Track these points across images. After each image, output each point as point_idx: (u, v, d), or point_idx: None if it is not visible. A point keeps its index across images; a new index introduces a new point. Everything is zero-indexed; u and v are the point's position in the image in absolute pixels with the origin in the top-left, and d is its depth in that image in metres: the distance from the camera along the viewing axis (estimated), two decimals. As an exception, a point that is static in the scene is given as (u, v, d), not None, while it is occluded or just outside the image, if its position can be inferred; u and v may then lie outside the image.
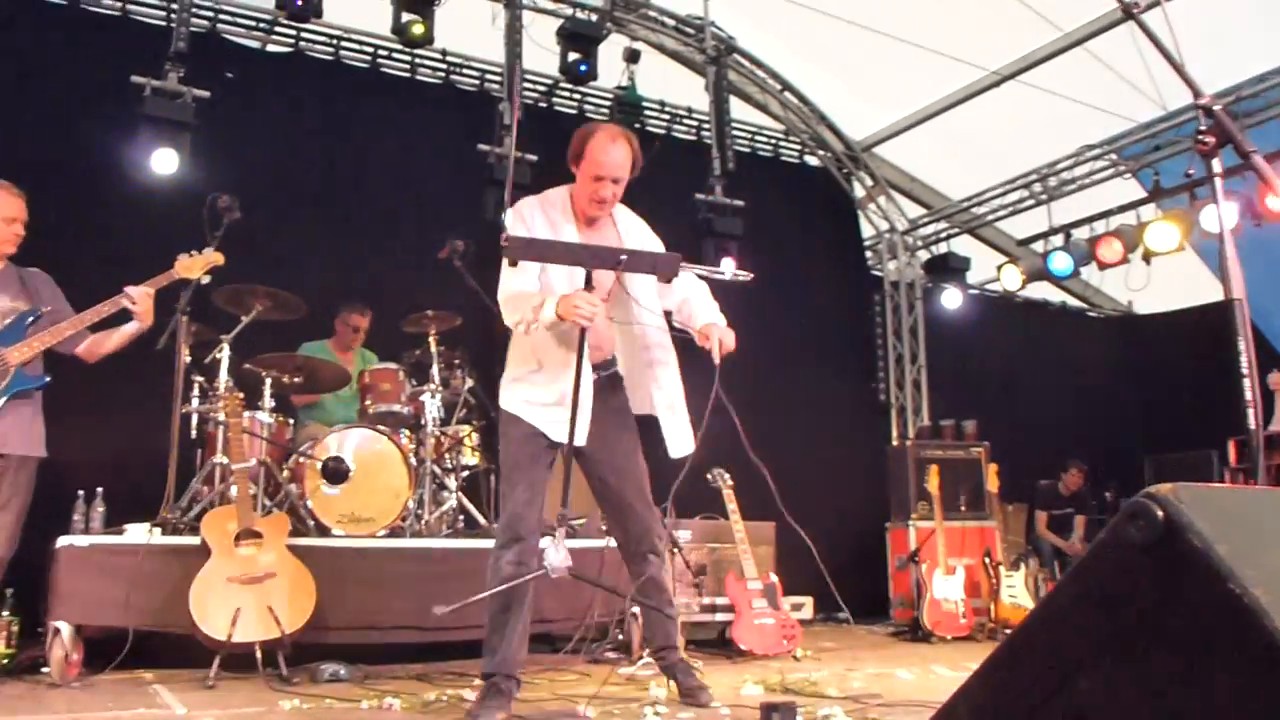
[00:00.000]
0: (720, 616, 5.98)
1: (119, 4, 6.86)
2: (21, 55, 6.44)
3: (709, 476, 5.96)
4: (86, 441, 5.71)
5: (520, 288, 3.35)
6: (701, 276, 3.79)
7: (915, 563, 7.11)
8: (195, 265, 4.46)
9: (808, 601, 6.48)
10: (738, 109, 8.75)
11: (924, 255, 10.33)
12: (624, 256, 3.27)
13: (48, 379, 4.19)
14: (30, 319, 4.13)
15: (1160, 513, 1.12)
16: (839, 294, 9.73)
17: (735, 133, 8.56)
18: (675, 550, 5.78)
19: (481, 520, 5.77)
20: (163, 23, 6.83)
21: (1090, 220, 8.67)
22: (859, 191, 10.12)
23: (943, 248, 10.14)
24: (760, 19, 8.33)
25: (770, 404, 8.57)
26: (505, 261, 3.35)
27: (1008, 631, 6.85)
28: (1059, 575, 8.44)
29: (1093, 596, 1.15)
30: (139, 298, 4.18)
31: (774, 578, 5.93)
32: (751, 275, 3.07)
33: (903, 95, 9.20)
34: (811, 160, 9.87)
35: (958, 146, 9.49)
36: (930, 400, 9.92)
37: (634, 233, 3.70)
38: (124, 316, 4.29)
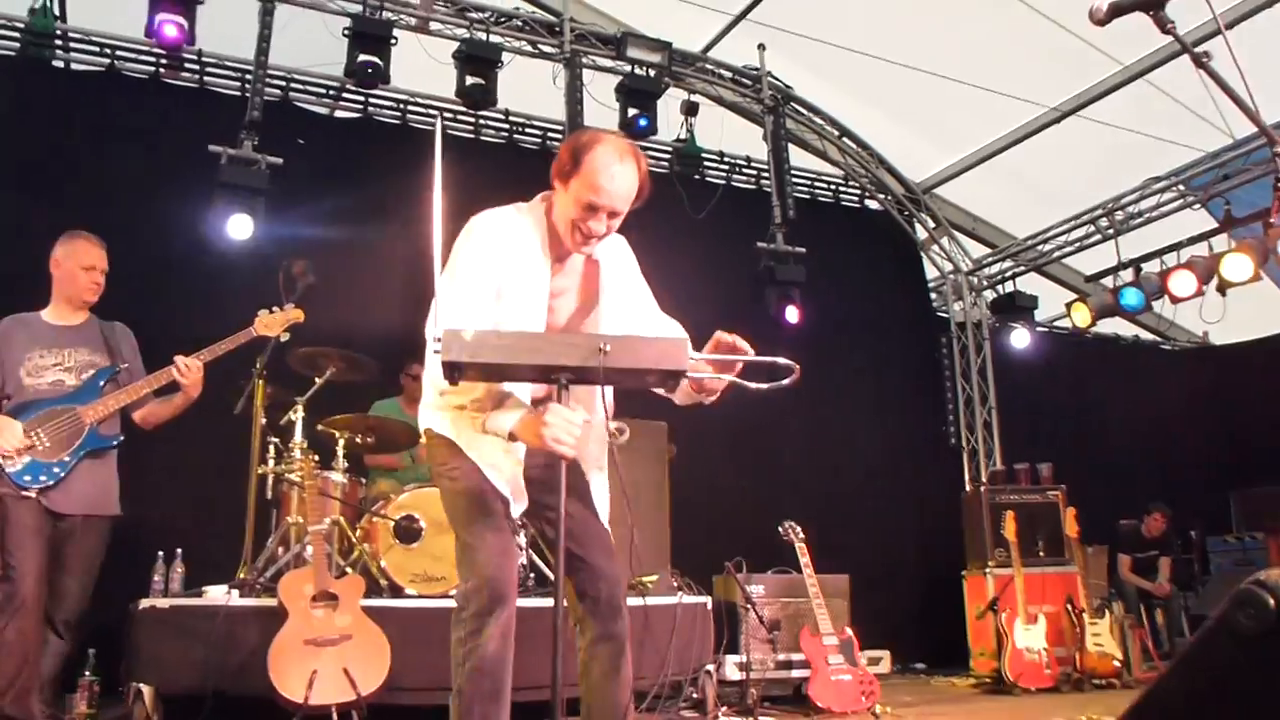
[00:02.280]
0: (796, 673, 5.90)
1: (196, 77, 7.12)
2: (107, 127, 6.71)
3: (780, 529, 5.91)
4: (164, 501, 5.85)
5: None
6: (736, 379, 2.60)
7: (994, 612, 6.94)
8: (275, 323, 4.48)
9: (885, 655, 6.37)
10: (797, 156, 8.77)
11: (990, 295, 10.20)
12: (606, 347, 2.25)
13: (121, 438, 4.14)
14: (106, 377, 4.09)
15: (1271, 600, 1.08)
16: (904, 337, 9.65)
17: (795, 179, 8.58)
18: (749, 605, 5.72)
19: (551, 576, 5.76)
20: (237, 93, 7.07)
21: (1161, 253, 8.50)
22: (921, 233, 10.05)
23: (1009, 287, 10.00)
24: (816, 67, 8.36)
25: (838, 450, 8.52)
26: (453, 277, 2.62)
27: (1095, 682, 6.70)
28: (1145, 620, 8.18)
29: (1201, 689, 1.11)
30: (188, 369, 4.11)
31: (849, 632, 5.83)
32: (796, 373, 2.49)
33: (962, 135, 9.16)
34: (872, 204, 9.84)
35: (1020, 184, 9.41)
36: (1002, 442, 9.74)
37: (617, 271, 2.85)
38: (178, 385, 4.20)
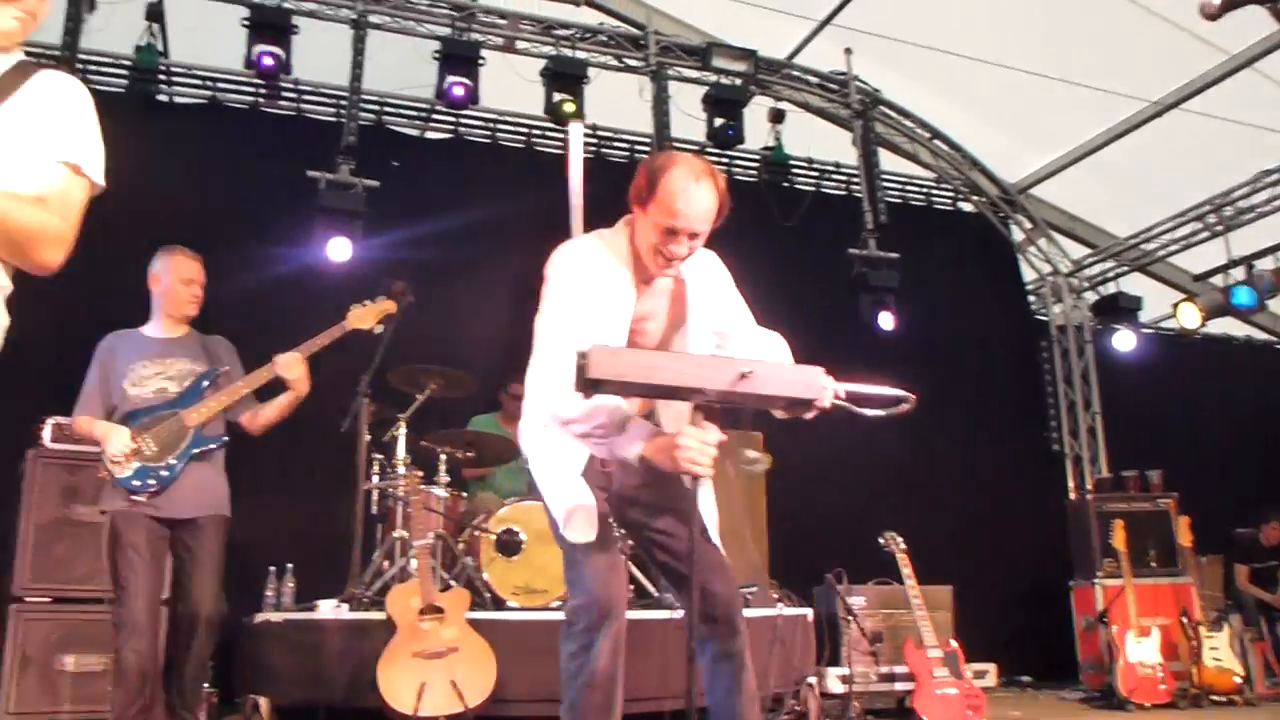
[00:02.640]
0: (899, 686, 5.80)
1: (294, 105, 7.33)
2: (210, 157, 6.93)
3: (881, 540, 5.82)
4: (274, 517, 6.01)
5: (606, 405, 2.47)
6: (845, 403, 2.53)
7: (1104, 624, 6.73)
8: (368, 315, 4.41)
9: (991, 669, 6.23)
10: (887, 160, 8.65)
11: (1091, 296, 9.92)
12: (748, 370, 2.28)
13: (225, 439, 4.10)
14: (207, 381, 4.08)
15: None
16: (1002, 342, 9.43)
17: (885, 184, 8.47)
18: (850, 617, 5.64)
19: (651, 589, 5.76)
20: (333, 119, 7.25)
21: (1274, 250, 8.17)
22: (1018, 235, 9.83)
23: (1111, 288, 9.71)
24: (905, 68, 8.24)
25: (936, 458, 8.35)
26: (546, 307, 2.68)
27: (1214, 698, 6.43)
28: (1266, 633, 7.84)
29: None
30: (287, 364, 4.08)
31: (954, 644, 5.71)
32: (911, 402, 2.54)
33: (1058, 134, 8.94)
34: (966, 206, 9.66)
35: (1121, 182, 9.14)
36: (1108, 449, 9.45)
37: (705, 289, 2.84)
38: (282, 386, 4.16)
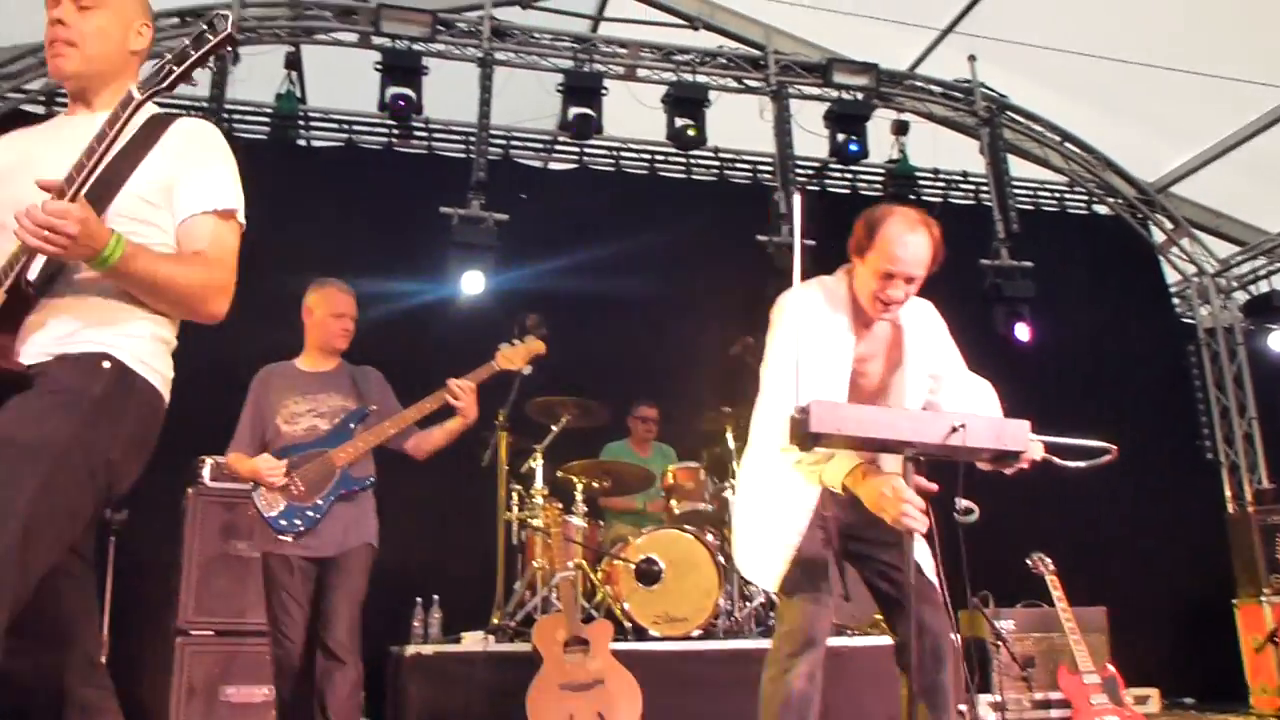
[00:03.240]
0: (1055, 713, 5.60)
1: (425, 143, 7.55)
2: (347, 197, 7.19)
3: (1029, 561, 5.64)
4: (416, 548, 6.16)
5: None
6: (1048, 456, 2.76)
7: (1275, 644, 6.38)
8: (517, 355, 4.31)
9: (1153, 694, 5.97)
10: (1016, 166, 8.40)
11: (1241, 296, 9.43)
12: (960, 425, 2.41)
13: (372, 479, 4.09)
14: (356, 420, 4.08)
15: None
16: (1146, 347, 9.03)
17: (1016, 191, 8.23)
18: (1000, 642, 5.48)
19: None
20: (462, 154, 7.44)
21: None
22: (1158, 236, 9.41)
23: (1263, 286, 9.21)
24: (1031, 72, 8.01)
25: (1083, 474, 8.04)
26: (772, 355, 2.87)
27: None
28: None
29: None
30: (462, 391, 4.05)
31: (1111, 669, 5.49)
32: (1112, 454, 2.60)
33: (1197, 129, 8.54)
34: (1101, 209, 9.30)
35: (1269, 175, 8.68)
36: (1268, 456, 8.96)
37: (921, 334, 3.01)
38: (448, 412, 4.17)
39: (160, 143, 2.15)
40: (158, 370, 2.13)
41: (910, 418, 2.55)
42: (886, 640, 3.10)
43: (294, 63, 7.15)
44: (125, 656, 5.32)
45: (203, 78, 6.47)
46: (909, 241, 2.76)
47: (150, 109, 2.19)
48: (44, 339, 2.02)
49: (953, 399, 2.98)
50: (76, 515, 1.98)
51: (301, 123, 7.48)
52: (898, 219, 2.79)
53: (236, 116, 7.15)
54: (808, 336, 2.74)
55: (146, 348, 2.11)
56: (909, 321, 2.98)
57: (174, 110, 2.28)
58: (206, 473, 5.19)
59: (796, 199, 2.64)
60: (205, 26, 2.02)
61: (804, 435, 2.36)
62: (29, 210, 1.88)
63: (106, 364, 2.03)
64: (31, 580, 1.87)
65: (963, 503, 2.71)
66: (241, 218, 2.23)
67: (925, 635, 2.81)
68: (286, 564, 3.88)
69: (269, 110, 7.24)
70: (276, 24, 6.89)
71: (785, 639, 2.86)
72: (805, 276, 2.95)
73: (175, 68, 2.01)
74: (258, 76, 6.83)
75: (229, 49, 2.07)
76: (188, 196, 2.14)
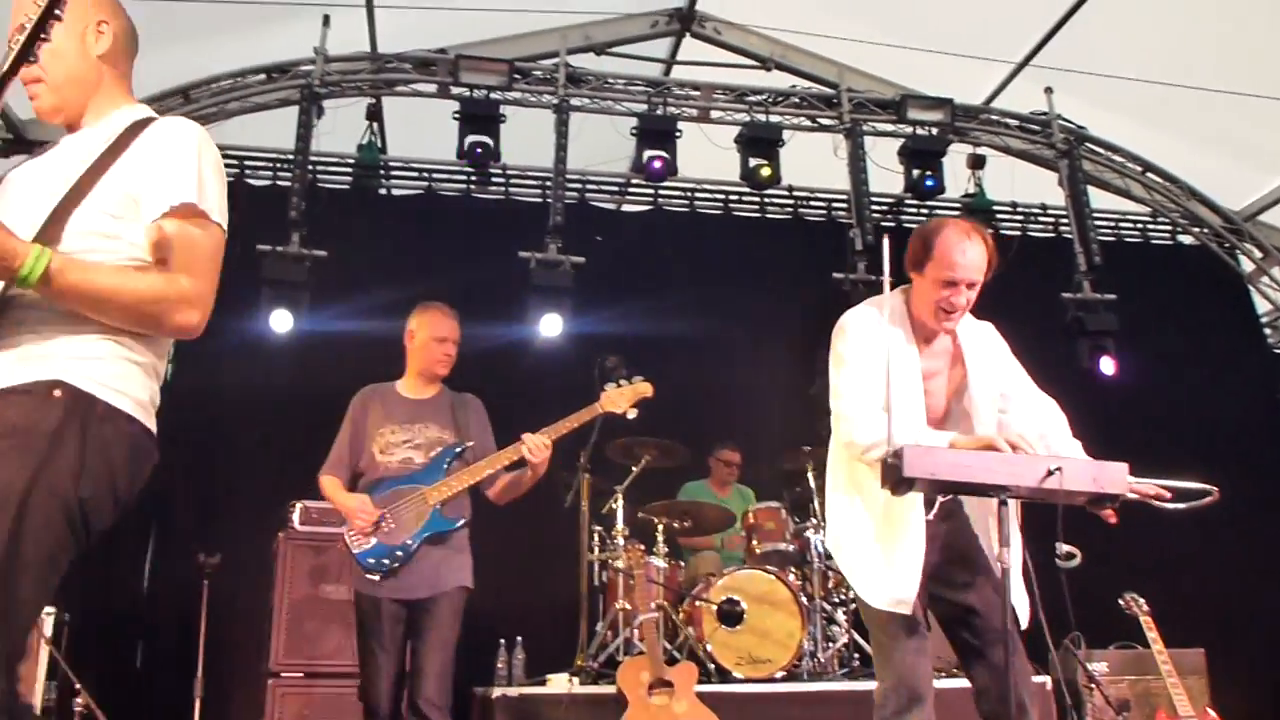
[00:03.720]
0: (1154, 759, 5.41)
1: (503, 189, 7.69)
2: (426, 244, 7.35)
3: (1121, 602, 5.49)
4: (499, 589, 6.21)
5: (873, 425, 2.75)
6: (1148, 498, 2.73)
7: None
8: (622, 398, 4.20)
9: (1259, 740, 5.73)
10: (1097, 197, 8.27)
11: (1339, 325, 9.14)
12: (1056, 468, 2.44)
13: (465, 519, 3.99)
14: (451, 456, 3.97)
15: None
16: (1237, 379, 8.75)
17: (1097, 223, 8.09)
18: (1093, 685, 5.33)
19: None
20: (539, 199, 7.56)
21: None
22: (1247, 265, 9.17)
23: (1361, 316, 8.93)
24: (1110, 102, 7.90)
25: (1173, 512, 7.82)
26: (843, 371, 2.92)
27: None
28: None
29: None
30: (536, 447, 3.94)
31: (1212, 713, 5.30)
32: (1214, 495, 2.58)
33: (1286, 154, 8.34)
34: (1186, 240, 9.10)
35: (1366, 201, 8.43)
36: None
37: (982, 352, 3.04)
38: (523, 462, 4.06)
39: (131, 148, 2.01)
40: (125, 393, 1.95)
41: (1005, 461, 2.52)
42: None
43: (375, 114, 7.35)
44: (218, 698, 5.45)
45: (289, 130, 6.71)
46: (966, 248, 2.82)
47: (139, 111, 2.12)
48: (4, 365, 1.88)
49: (1023, 417, 2.95)
50: (55, 560, 1.88)
51: (382, 172, 7.67)
52: (952, 229, 2.87)
53: (321, 167, 7.35)
54: (875, 349, 2.83)
55: (108, 369, 1.93)
56: (967, 338, 3.01)
57: (158, 115, 2.15)
58: (296, 517, 5.31)
59: (885, 242, 2.65)
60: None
61: (898, 480, 2.36)
62: None
63: (57, 392, 1.86)
64: (22, 636, 1.85)
65: (1064, 547, 2.67)
66: (217, 218, 2.04)
67: (1004, 682, 2.70)
68: (376, 607, 3.80)
69: (352, 160, 7.44)
70: (359, 77, 7.09)
71: (890, 695, 2.79)
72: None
73: (29, 27, 1.76)
74: (341, 129, 7.04)
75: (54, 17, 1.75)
76: (151, 200, 1.96)
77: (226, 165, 7.23)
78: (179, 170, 1.97)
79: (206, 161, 2.03)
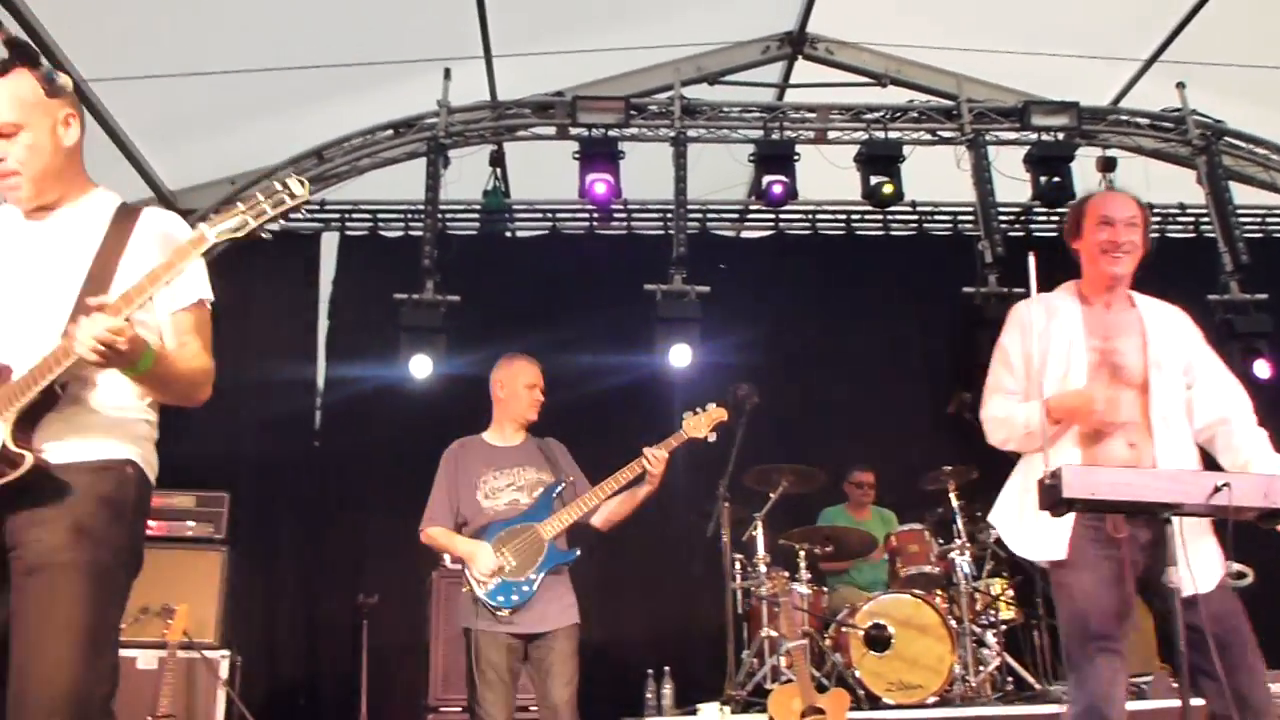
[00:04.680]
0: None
1: (624, 224, 7.81)
2: (551, 282, 7.53)
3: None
4: (643, 620, 6.28)
5: (1007, 412, 2.91)
6: None
7: None
8: (701, 424, 4.30)
9: None
10: (1239, 193, 7.92)
11: None
12: (1224, 484, 2.36)
13: (577, 552, 4.14)
14: (555, 492, 4.13)
15: None
16: None
17: (1242, 220, 7.74)
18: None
19: (1032, 681, 5.47)
20: (660, 231, 7.65)
21: None
22: None
23: None
24: (1248, 93, 7.56)
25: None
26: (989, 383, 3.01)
27: None
28: None
29: None
30: (658, 459, 4.07)
31: None
32: None
33: None
34: (1343, 230, 8.64)
35: None
36: None
37: (1163, 322, 2.99)
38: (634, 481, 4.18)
39: (133, 239, 2.31)
40: (152, 465, 2.35)
41: (1170, 477, 2.46)
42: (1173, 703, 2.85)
43: (498, 160, 7.55)
44: (380, 734, 5.64)
45: (417, 181, 6.96)
46: (1114, 197, 2.99)
47: (113, 199, 2.40)
48: (71, 442, 2.20)
49: (1207, 399, 2.93)
50: (124, 603, 2.25)
51: (508, 216, 7.88)
52: (1096, 194, 3.07)
53: (449, 215, 7.58)
54: (1032, 326, 2.92)
55: (148, 449, 2.34)
56: (1149, 311, 3.00)
57: (125, 200, 2.44)
58: (447, 556, 5.44)
59: (1031, 260, 2.61)
60: (281, 187, 2.16)
61: (1056, 501, 2.31)
62: (88, 326, 2.04)
63: (130, 469, 2.26)
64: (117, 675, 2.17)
65: (1235, 566, 2.58)
66: (211, 300, 2.39)
67: (1247, 711, 2.58)
68: (494, 641, 3.88)
69: (478, 206, 7.66)
70: (481, 126, 7.31)
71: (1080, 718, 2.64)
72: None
73: (251, 220, 2.14)
74: (466, 176, 7.26)
75: (296, 207, 2.19)
76: (172, 292, 2.23)
77: (361, 221, 7.61)
78: (193, 267, 2.23)
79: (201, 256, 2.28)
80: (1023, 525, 2.86)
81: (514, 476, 4.15)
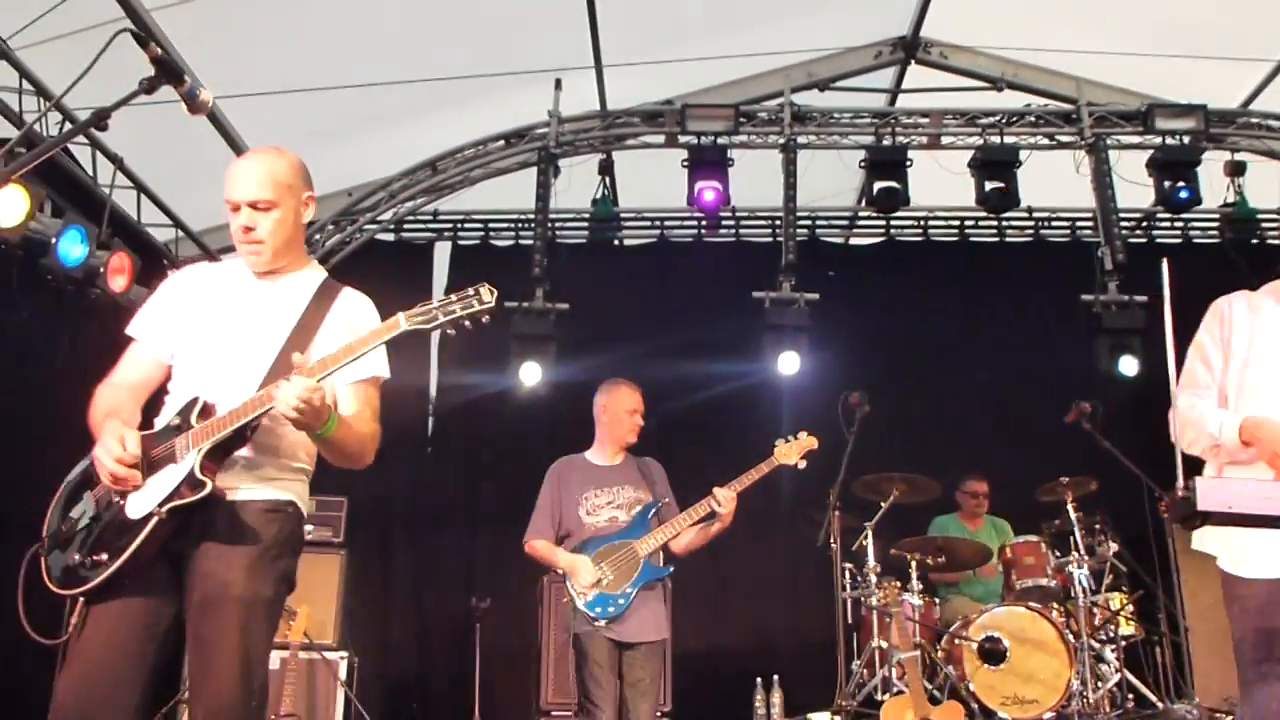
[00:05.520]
0: None
1: (732, 231, 7.82)
2: (659, 291, 7.62)
3: None
4: (752, 629, 6.26)
5: (1199, 413, 2.68)
6: None
7: None
8: (792, 452, 4.46)
9: None
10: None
11: None
12: None
13: (671, 569, 4.38)
14: (652, 511, 4.36)
15: None
16: None
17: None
18: None
19: (1153, 699, 5.30)
20: (769, 238, 7.64)
21: None
22: None
23: None
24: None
25: None
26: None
27: None
28: None
29: None
30: (725, 500, 4.23)
31: None
32: None
33: None
34: None
35: None
36: None
37: None
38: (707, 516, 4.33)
39: (330, 314, 2.59)
40: (307, 503, 2.64)
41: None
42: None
43: (607, 168, 7.61)
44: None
45: (527, 191, 7.08)
46: None
47: (321, 274, 2.70)
48: (248, 482, 2.48)
49: None
50: (278, 625, 2.56)
51: (616, 224, 7.95)
52: None
53: (559, 224, 7.70)
54: (1224, 329, 2.77)
55: (305, 490, 2.63)
56: None
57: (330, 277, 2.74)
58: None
59: (1164, 266, 2.50)
60: (473, 293, 2.38)
61: (1189, 513, 2.21)
62: (290, 387, 2.27)
63: (292, 510, 2.54)
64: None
65: None
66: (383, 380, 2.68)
67: None
68: (598, 641, 4.12)
69: (587, 215, 7.74)
70: (590, 135, 7.38)
71: None
72: (1144, 337, 2.86)
73: (442, 317, 2.37)
74: (576, 185, 7.35)
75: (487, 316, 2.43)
76: (356, 365, 2.45)
77: (473, 230, 7.74)
78: (375, 351, 2.47)
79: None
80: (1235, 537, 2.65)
81: (614, 495, 4.37)
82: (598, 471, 4.47)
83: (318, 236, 7.12)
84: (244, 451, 2.46)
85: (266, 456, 2.51)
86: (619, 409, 4.53)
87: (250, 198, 2.53)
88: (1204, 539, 2.73)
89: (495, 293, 2.37)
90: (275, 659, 5.14)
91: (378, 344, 2.39)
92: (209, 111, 2.61)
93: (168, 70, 2.33)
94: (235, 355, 2.53)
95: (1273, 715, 2.49)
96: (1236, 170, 7.48)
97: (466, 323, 2.38)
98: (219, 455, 2.40)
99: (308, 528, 5.57)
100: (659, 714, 4.42)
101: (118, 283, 5.04)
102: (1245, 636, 2.58)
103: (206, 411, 2.43)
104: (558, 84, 7.16)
